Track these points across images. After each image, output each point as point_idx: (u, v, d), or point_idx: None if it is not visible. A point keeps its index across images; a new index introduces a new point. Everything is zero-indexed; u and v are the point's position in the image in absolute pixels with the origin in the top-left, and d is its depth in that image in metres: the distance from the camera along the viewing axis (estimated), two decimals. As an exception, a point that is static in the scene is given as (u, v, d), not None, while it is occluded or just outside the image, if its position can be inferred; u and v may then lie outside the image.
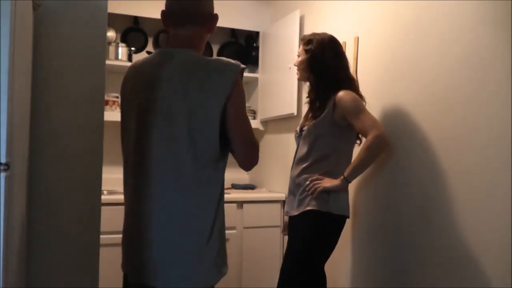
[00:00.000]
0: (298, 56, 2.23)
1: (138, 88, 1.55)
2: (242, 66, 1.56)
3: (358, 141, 2.21)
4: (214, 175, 1.51)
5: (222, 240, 1.55)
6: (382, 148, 2.05)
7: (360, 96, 2.15)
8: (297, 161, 2.20)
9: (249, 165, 1.57)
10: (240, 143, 1.52)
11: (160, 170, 1.48)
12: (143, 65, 1.59)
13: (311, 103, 2.21)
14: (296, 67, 2.25)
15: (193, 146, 1.45)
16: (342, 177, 2.08)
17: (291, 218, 2.19)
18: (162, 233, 1.48)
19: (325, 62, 2.13)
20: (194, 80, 1.47)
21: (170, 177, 1.47)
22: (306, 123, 2.22)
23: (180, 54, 1.52)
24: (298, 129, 2.29)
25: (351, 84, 2.15)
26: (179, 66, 1.49)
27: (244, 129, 1.52)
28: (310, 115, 2.23)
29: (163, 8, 1.61)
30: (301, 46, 2.21)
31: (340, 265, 2.47)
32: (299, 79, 2.29)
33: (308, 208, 2.07)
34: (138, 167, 1.52)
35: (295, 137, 2.30)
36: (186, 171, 1.46)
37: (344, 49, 2.34)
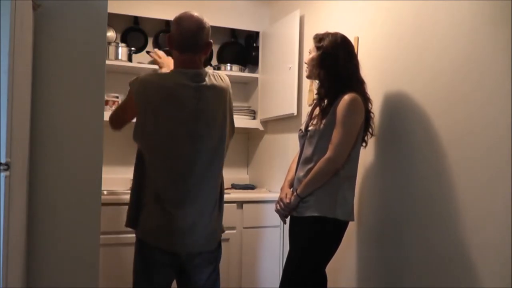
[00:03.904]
0: (310, 53, 2.21)
1: (184, 100, 1.90)
2: None
3: (364, 144, 2.21)
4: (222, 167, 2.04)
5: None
6: (330, 172, 2.07)
7: (368, 99, 2.15)
8: (303, 161, 2.18)
9: None
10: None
11: (200, 164, 1.92)
12: (170, 81, 1.93)
13: (319, 101, 2.20)
14: (305, 65, 2.24)
15: (220, 146, 1.97)
16: (295, 193, 2.12)
17: (295, 218, 2.19)
18: (202, 211, 1.93)
19: (336, 60, 2.13)
20: (223, 97, 1.98)
21: (206, 169, 1.95)
22: (311, 122, 2.21)
23: (204, 74, 1.96)
24: (303, 128, 2.27)
25: (360, 86, 2.15)
26: (210, 85, 1.95)
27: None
28: (315, 114, 2.22)
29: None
30: (313, 44, 2.21)
31: (341, 266, 2.47)
32: (308, 77, 2.28)
33: (315, 214, 2.07)
34: (184, 162, 1.91)
35: (299, 136, 2.28)
36: (215, 165, 1.98)
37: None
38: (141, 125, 1.92)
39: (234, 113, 3.50)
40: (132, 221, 1.97)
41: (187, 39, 1.92)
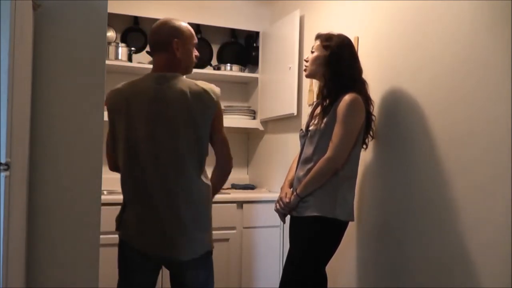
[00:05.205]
0: (313, 52, 2.21)
1: (145, 102, 1.89)
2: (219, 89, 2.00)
3: (364, 146, 2.21)
4: (201, 172, 1.93)
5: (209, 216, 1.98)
6: (330, 172, 2.07)
7: (369, 99, 2.15)
8: (303, 161, 2.18)
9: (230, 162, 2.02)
10: (222, 146, 1.99)
11: (167, 168, 1.88)
12: (143, 83, 1.94)
13: (321, 101, 2.20)
14: (305, 63, 2.23)
15: (186, 149, 1.88)
16: (295, 193, 2.12)
17: (295, 218, 2.19)
18: (168, 217, 1.87)
19: (343, 60, 2.14)
20: (190, 103, 1.88)
21: (174, 174, 1.88)
22: (312, 122, 2.21)
23: (173, 78, 1.92)
24: (304, 128, 2.27)
25: (362, 87, 2.15)
26: (174, 87, 1.89)
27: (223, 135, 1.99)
28: (316, 114, 2.22)
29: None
30: (317, 42, 2.20)
31: (341, 266, 2.47)
32: (308, 76, 2.26)
33: (315, 214, 2.07)
34: (150, 167, 1.88)
35: (300, 136, 2.28)
36: (180, 170, 1.88)
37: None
38: (111, 134, 1.97)
39: (234, 113, 3.55)
40: (118, 224, 2.02)
41: (150, 38, 2.00)
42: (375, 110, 2.24)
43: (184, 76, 1.97)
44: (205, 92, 1.91)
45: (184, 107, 1.88)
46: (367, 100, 2.14)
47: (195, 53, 2.04)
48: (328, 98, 2.13)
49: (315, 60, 2.18)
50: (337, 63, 2.13)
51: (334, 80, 2.12)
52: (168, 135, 1.88)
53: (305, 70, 2.25)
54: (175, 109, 1.88)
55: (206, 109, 1.90)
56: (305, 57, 2.31)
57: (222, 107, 3.64)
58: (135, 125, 1.89)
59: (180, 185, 1.88)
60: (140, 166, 1.89)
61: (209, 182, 1.96)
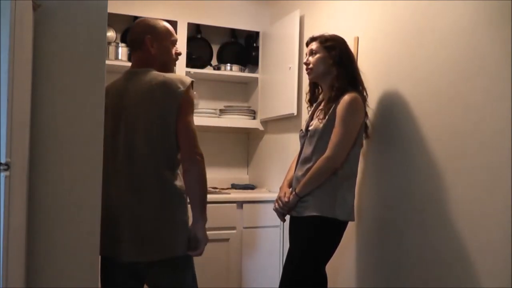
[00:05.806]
0: (314, 53, 2.20)
1: (112, 98, 1.91)
2: (190, 80, 1.90)
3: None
4: (169, 169, 1.85)
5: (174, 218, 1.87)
6: (329, 171, 2.06)
7: (364, 99, 2.16)
8: (302, 161, 2.18)
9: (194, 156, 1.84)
10: (185, 137, 1.85)
11: (124, 165, 1.86)
12: (117, 82, 1.99)
13: (325, 102, 2.19)
14: (309, 66, 2.21)
15: (155, 143, 1.84)
16: (294, 192, 2.13)
17: (294, 218, 2.19)
18: (130, 218, 1.84)
19: (349, 60, 2.16)
20: (153, 94, 1.84)
21: (133, 172, 1.85)
22: (312, 122, 2.21)
23: (142, 73, 1.92)
24: (303, 128, 2.27)
25: (361, 87, 2.16)
26: (142, 82, 1.88)
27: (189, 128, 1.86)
28: (316, 114, 2.22)
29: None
30: (316, 44, 2.19)
31: (341, 266, 2.47)
32: (314, 78, 2.24)
33: (314, 213, 2.07)
34: (111, 162, 1.87)
35: (300, 136, 2.28)
36: (144, 167, 1.84)
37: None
38: None
39: (234, 113, 3.54)
40: None
41: (127, 38, 2.05)
42: (376, 109, 2.24)
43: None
44: (171, 81, 1.85)
45: (147, 99, 1.84)
46: (364, 99, 2.15)
47: (176, 50, 2.02)
48: (330, 97, 2.14)
49: (321, 61, 2.17)
50: (345, 62, 2.14)
51: (343, 79, 2.12)
52: (129, 132, 1.86)
53: (308, 73, 2.24)
54: (137, 103, 1.86)
55: (171, 99, 1.83)
56: (303, 60, 2.31)
57: (222, 107, 3.64)
58: (106, 124, 1.85)
59: (140, 184, 1.84)
60: (106, 165, 1.85)
61: (179, 183, 1.88)
